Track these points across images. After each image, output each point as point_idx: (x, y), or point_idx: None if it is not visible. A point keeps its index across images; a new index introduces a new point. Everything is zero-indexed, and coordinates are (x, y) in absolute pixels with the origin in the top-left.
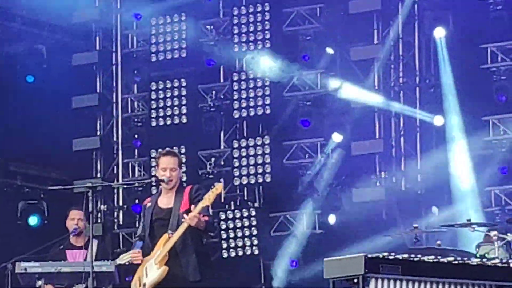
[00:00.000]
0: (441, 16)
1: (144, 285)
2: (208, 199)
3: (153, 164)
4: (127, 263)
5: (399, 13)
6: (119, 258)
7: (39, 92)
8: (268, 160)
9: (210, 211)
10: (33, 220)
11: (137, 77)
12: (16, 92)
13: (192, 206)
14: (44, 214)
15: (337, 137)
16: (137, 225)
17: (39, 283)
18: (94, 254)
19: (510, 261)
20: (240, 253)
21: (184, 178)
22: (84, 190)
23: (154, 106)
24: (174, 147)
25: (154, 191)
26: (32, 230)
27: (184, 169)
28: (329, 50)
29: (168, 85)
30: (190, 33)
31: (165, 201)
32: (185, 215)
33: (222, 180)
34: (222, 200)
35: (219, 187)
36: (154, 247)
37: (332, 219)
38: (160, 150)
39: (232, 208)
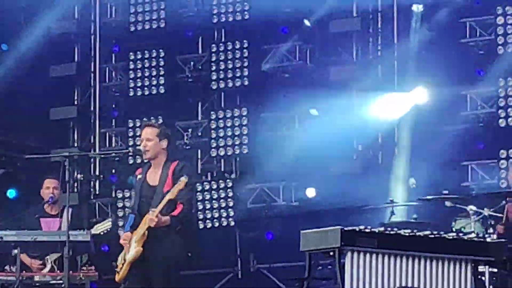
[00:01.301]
0: None
1: (125, 260)
2: (172, 193)
3: (131, 134)
4: (101, 233)
5: None
6: (94, 228)
7: (16, 60)
8: (245, 132)
9: (183, 194)
10: (10, 194)
11: (115, 47)
12: None
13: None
14: (20, 182)
15: (314, 111)
16: (113, 195)
17: (15, 251)
18: (69, 223)
19: (486, 235)
20: (216, 224)
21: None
22: (60, 160)
23: (132, 76)
24: (152, 118)
25: (131, 162)
26: (7, 199)
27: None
28: (307, 22)
29: (146, 55)
30: (169, 3)
31: (153, 177)
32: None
33: (199, 151)
34: (199, 171)
35: (182, 182)
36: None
37: (310, 192)
38: (137, 120)
39: (209, 179)
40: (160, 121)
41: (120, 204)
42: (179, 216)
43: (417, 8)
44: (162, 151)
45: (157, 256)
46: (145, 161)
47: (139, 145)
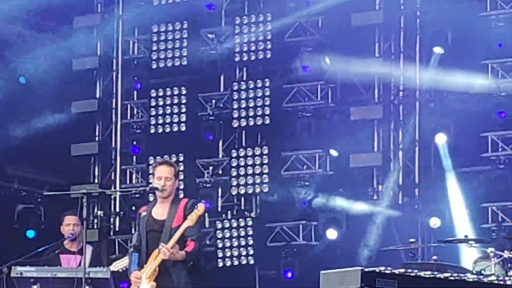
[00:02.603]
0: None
1: None
2: (190, 220)
3: (151, 171)
4: (121, 270)
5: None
6: (113, 265)
7: (39, 95)
8: (266, 170)
9: (195, 230)
10: (29, 234)
11: (137, 84)
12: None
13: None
14: (40, 218)
15: (334, 152)
16: (132, 232)
17: (35, 287)
18: (89, 260)
19: (506, 278)
20: (236, 262)
21: (182, 186)
22: (79, 196)
23: (153, 113)
24: (173, 155)
25: (151, 199)
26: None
27: (181, 177)
28: (327, 60)
29: (168, 93)
30: (191, 41)
31: (160, 212)
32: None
33: (220, 189)
34: (219, 209)
35: (200, 208)
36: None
37: (331, 234)
38: (158, 158)
39: (229, 217)
40: (181, 158)
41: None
42: (192, 252)
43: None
44: (175, 190)
45: None
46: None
47: (151, 182)
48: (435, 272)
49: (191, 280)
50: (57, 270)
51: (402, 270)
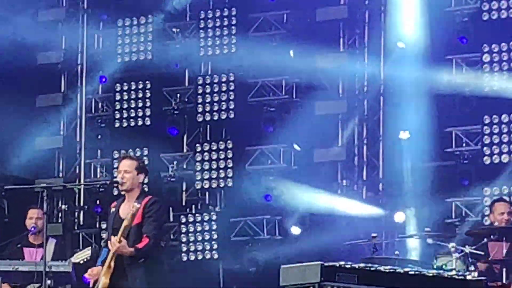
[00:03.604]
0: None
1: None
2: (127, 219)
3: (115, 165)
4: (81, 262)
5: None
6: (74, 257)
7: (2, 89)
8: (230, 165)
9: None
10: None
11: (102, 78)
12: None
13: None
14: (4, 212)
15: (296, 147)
16: (97, 226)
17: None
18: (52, 253)
19: (466, 273)
20: (200, 257)
21: (146, 180)
22: (40, 190)
23: (118, 107)
24: (137, 149)
25: (115, 193)
26: None
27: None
28: (291, 53)
29: (133, 87)
30: (156, 35)
31: (126, 209)
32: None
33: (184, 183)
34: (183, 203)
35: (133, 208)
36: None
37: (295, 229)
38: (122, 152)
39: (193, 211)
40: (146, 152)
41: (104, 235)
42: (143, 249)
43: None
44: (138, 185)
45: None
46: (122, 193)
47: (116, 176)
48: (395, 267)
49: (148, 280)
50: (19, 263)
51: (362, 265)
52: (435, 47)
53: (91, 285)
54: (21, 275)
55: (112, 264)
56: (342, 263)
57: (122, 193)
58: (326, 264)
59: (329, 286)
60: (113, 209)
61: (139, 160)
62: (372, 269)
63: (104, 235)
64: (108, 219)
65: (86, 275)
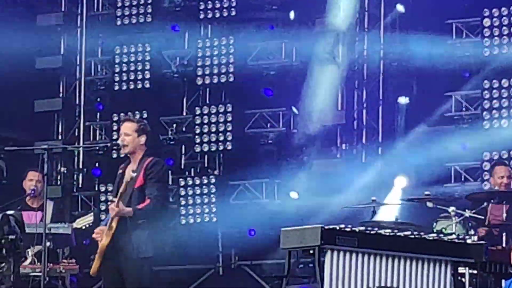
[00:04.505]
0: None
1: None
2: (122, 187)
3: (115, 128)
4: (83, 227)
5: None
6: (76, 222)
7: (2, 51)
8: (229, 128)
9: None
10: None
11: (101, 40)
12: None
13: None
14: (3, 174)
15: (295, 109)
16: (96, 188)
17: None
18: (50, 216)
19: (466, 237)
20: (199, 220)
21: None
22: (40, 152)
23: (117, 70)
24: (136, 112)
25: (114, 156)
26: None
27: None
28: (291, 15)
29: (132, 50)
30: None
31: (130, 172)
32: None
33: (183, 146)
34: (182, 167)
35: (129, 176)
36: None
37: (293, 194)
38: (122, 115)
39: (192, 174)
40: (145, 115)
41: (103, 198)
42: (143, 210)
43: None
44: (140, 147)
45: (126, 249)
46: (121, 156)
47: (117, 139)
48: (395, 230)
49: (151, 242)
50: None
51: (362, 228)
52: (436, 12)
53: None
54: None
55: (114, 225)
56: (342, 226)
57: (122, 155)
58: (326, 227)
59: (329, 249)
60: (119, 171)
61: (140, 122)
62: (372, 232)
63: (103, 198)
64: (115, 181)
65: (93, 235)
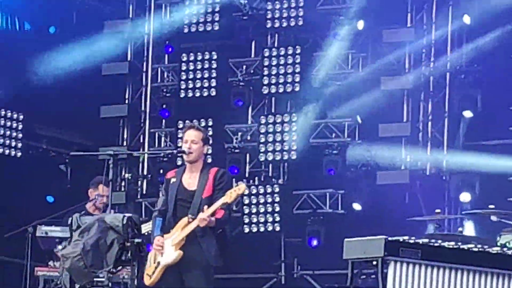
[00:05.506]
0: None
1: (158, 263)
2: (229, 196)
3: (180, 135)
4: (146, 233)
5: None
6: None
7: (71, 58)
8: (294, 138)
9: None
10: (49, 199)
11: (168, 48)
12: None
13: (205, 206)
14: (66, 178)
15: (359, 118)
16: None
17: (59, 247)
18: None
19: None
20: (262, 229)
21: (210, 151)
22: (106, 158)
23: (184, 77)
24: (202, 120)
25: (179, 163)
26: (54, 194)
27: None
28: (360, 25)
29: (199, 57)
30: (223, 6)
31: (190, 181)
32: (205, 209)
33: (248, 155)
34: (247, 175)
35: (241, 188)
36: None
37: (357, 205)
38: (187, 122)
39: (256, 183)
40: (210, 123)
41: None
42: (222, 220)
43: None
44: (202, 156)
45: (194, 258)
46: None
47: (180, 146)
48: (459, 243)
49: (220, 249)
50: None
51: (425, 240)
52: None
53: (152, 254)
54: None
55: (184, 236)
56: (405, 238)
57: (186, 163)
58: (389, 238)
59: (392, 261)
60: (173, 180)
61: (205, 132)
62: (436, 245)
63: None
64: (165, 189)
65: (155, 245)
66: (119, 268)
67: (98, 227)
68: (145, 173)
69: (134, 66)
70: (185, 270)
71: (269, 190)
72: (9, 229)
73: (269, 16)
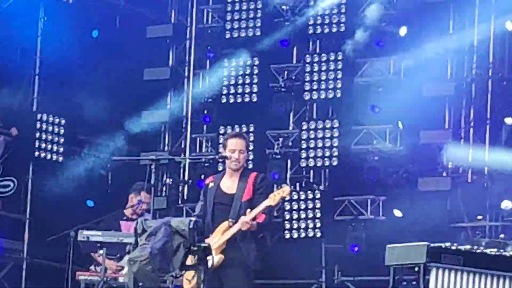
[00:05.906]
0: None
1: None
2: (273, 199)
3: (221, 140)
4: None
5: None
6: None
7: (113, 63)
8: (336, 144)
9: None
10: (89, 203)
11: (210, 53)
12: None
13: (248, 210)
14: (107, 182)
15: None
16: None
17: (101, 252)
18: None
19: None
20: (303, 235)
21: (251, 157)
22: (147, 163)
23: (225, 83)
24: (243, 125)
25: (220, 168)
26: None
27: (251, 147)
28: (402, 31)
29: (241, 63)
30: (265, 12)
31: (229, 185)
32: (247, 212)
33: (289, 160)
34: (288, 181)
35: (286, 190)
36: (214, 230)
37: (397, 212)
38: (229, 131)
39: (297, 189)
40: (251, 129)
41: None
42: (263, 224)
43: None
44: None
45: (234, 262)
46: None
47: (220, 152)
48: (501, 250)
49: (260, 253)
50: (123, 235)
51: (468, 247)
52: None
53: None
54: (124, 247)
55: (225, 240)
56: (448, 244)
57: (229, 169)
58: (431, 245)
59: (434, 267)
60: (211, 184)
61: (247, 138)
62: (478, 251)
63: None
64: (204, 194)
65: None
66: (183, 272)
67: (164, 230)
68: (186, 178)
69: (176, 71)
70: (224, 273)
71: (310, 196)
72: (51, 233)
73: (311, 22)
